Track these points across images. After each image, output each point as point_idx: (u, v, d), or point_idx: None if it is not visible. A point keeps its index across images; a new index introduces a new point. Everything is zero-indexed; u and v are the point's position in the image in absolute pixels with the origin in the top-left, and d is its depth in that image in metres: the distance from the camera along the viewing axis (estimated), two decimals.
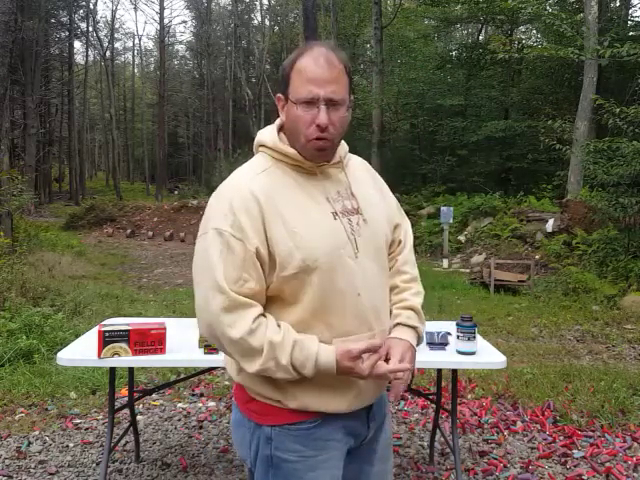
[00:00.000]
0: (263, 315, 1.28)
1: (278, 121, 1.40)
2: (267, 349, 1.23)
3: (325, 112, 1.27)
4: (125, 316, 5.46)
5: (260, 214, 1.26)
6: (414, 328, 1.43)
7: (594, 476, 2.92)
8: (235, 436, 1.45)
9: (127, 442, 3.24)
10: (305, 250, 1.26)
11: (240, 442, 1.42)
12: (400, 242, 1.53)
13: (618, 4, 18.10)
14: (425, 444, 3.22)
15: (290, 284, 1.27)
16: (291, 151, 1.33)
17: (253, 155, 1.43)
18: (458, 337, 2.43)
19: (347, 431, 1.39)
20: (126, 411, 3.33)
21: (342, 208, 1.35)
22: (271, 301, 1.32)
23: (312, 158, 1.33)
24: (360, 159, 1.55)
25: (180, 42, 46.76)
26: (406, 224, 1.58)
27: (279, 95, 1.35)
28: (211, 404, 3.88)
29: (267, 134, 1.39)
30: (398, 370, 1.32)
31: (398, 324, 1.43)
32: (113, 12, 76.13)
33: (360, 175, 1.47)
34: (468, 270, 10.14)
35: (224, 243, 1.25)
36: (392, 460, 1.59)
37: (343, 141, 1.44)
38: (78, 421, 3.56)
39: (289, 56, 1.35)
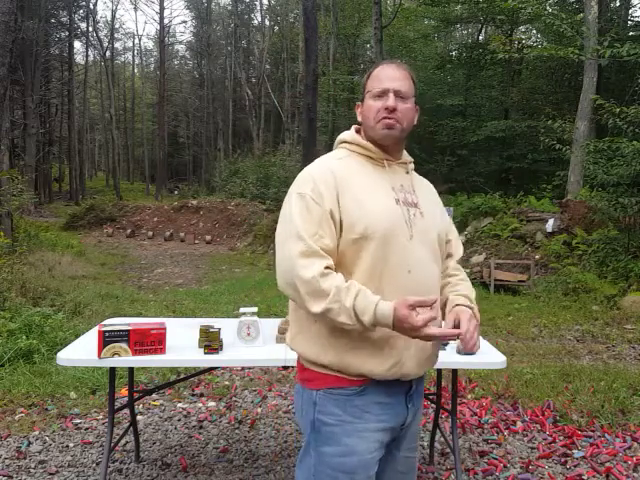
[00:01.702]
0: (334, 269, 1.45)
1: (355, 126, 1.67)
2: (334, 292, 1.38)
3: (393, 98, 1.53)
4: (125, 316, 5.46)
5: (335, 186, 1.48)
6: (471, 309, 1.60)
7: (594, 476, 2.92)
8: (295, 405, 1.65)
9: (127, 442, 3.24)
10: (367, 220, 1.46)
11: (297, 410, 1.62)
12: (450, 255, 1.73)
13: (618, 4, 18.09)
14: (425, 444, 3.22)
15: (351, 248, 1.46)
16: (364, 142, 1.59)
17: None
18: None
19: (384, 409, 1.51)
20: (126, 411, 3.33)
21: (404, 198, 1.56)
22: (336, 265, 1.49)
23: (382, 137, 1.55)
24: (421, 177, 1.75)
25: (180, 42, 46.71)
26: (458, 243, 1.76)
27: (358, 103, 1.64)
28: (211, 404, 3.88)
29: (348, 133, 1.65)
30: (449, 334, 1.43)
31: (457, 305, 1.59)
32: (113, 12, 76.03)
33: (423, 186, 1.70)
34: (468, 270, 10.13)
35: (304, 204, 1.47)
36: (418, 451, 1.71)
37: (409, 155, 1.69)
38: (78, 421, 3.56)
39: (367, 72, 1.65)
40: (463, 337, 1.48)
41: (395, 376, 1.49)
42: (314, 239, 1.44)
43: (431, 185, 1.78)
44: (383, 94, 1.54)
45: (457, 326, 1.50)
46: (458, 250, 1.76)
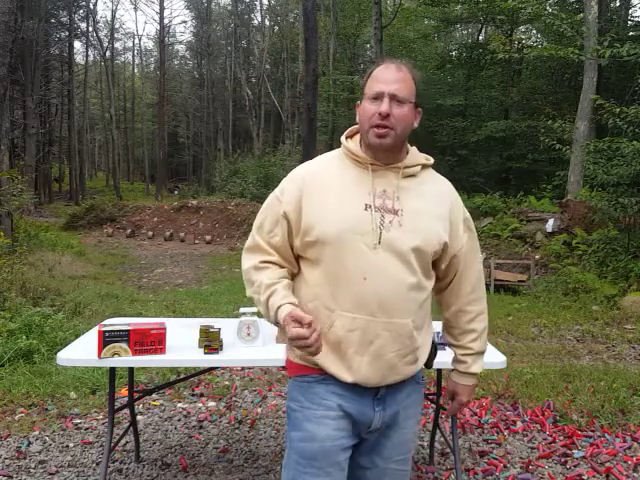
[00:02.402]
0: (277, 265, 1.57)
1: (357, 126, 1.63)
2: (257, 284, 1.55)
3: (387, 103, 1.47)
4: (125, 316, 5.46)
5: (301, 188, 1.53)
6: (474, 374, 1.71)
7: (594, 476, 2.92)
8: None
9: (127, 442, 3.24)
10: (324, 225, 1.48)
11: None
12: (455, 274, 1.64)
13: (618, 4, 18.08)
14: (425, 444, 3.22)
15: (311, 249, 1.52)
16: (351, 146, 1.57)
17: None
18: None
19: (346, 402, 1.52)
20: (126, 411, 3.33)
21: (381, 204, 1.50)
22: (301, 260, 1.58)
23: (375, 145, 1.50)
24: (444, 180, 1.66)
25: (180, 42, 46.69)
26: (470, 255, 1.65)
27: (357, 103, 1.59)
28: (211, 404, 3.88)
29: (345, 133, 1.64)
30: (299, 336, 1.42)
31: (456, 373, 1.73)
32: (113, 12, 76.00)
33: (427, 190, 1.58)
34: None
35: (271, 201, 1.60)
36: (410, 464, 1.67)
37: (424, 155, 1.62)
38: (78, 421, 3.56)
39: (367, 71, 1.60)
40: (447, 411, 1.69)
41: (350, 380, 1.49)
42: (269, 236, 1.57)
43: (446, 188, 1.64)
44: (378, 97, 1.49)
45: (452, 397, 1.75)
46: (470, 270, 1.64)
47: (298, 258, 1.59)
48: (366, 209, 1.48)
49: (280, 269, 1.57)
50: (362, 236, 1.47)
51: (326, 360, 1.50)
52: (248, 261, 1.61)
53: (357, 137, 1.61)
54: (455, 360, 1.73)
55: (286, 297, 1.49)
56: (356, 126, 1.63)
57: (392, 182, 1.53)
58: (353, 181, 1.53)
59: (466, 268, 1.64)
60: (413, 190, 1.55)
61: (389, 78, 1.50)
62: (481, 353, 1.70)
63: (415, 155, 1.60)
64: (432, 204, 1.57)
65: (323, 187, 1.52)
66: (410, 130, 1.54)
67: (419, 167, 1.59)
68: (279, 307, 1.47)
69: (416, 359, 1.57)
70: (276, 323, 1.51)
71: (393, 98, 1.48)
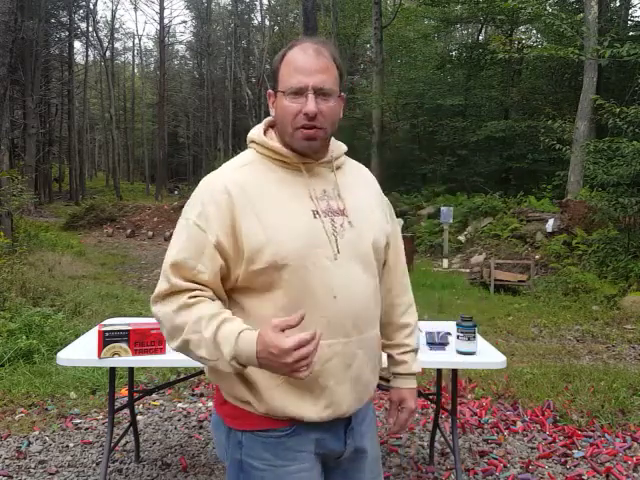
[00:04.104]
0: (210, 300, 1.23)
1: (269, 118, 1.38)
2: (192, 323, 1.18)
3: (313, 100, 1.23)
4: (125, 316, 5.46)
5: (229, 206, 1.22)
6: (414, 375, 1.52)
7: (594, 476, 2.92)
8: (214, 438, 1.43)
9: (127, 442, 3.23)
10: (275, 246, 1.21)
11: (217, 443, 1.40)
12: (386, 265, 1.48)
13: (618, 4, 18.09)
14: (425, 444, 3.22)
15: (259, 279, 1.23)
16: (276, 145, 1.30)
17: None
18: (458, 337, 2.42)
19: (320, 444, 1.31)
20: (126, 411, 3.33)
21: (326, 207, 1.30)
22: (243, 292, 1.27)
23: (302, 150, 1.29)
24: (360, 165, 1.51)
25: (180, 42, 46.73)
26: (398, 242, 1.53)
27: (269, 91, 1.33)
28: (211, 404, 3.87)
29: (256, 130, 1.37)
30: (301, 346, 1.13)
31: (398, 376, 1.51)
32: (113, 12, 76.21)
33: (355, 179, 1.42)
34: (468, 270, 10.13)
35: (187, 232, 1.26)
36: (382, 475, 1.52)
37: (341, 143, 1.43)
38: (78, 421, 3.56)
39: (279, 52, 1.33)
40: (391, 427, 1.48)
41: (330, 417, 1.28)
42: (192, 274, 1.22)
43: (366, 172, 1.49)
44: (300, 92, 1.23)
45: (398, 407, 1.49)
46: (398, 258, 1.51)
47: (231, 293, 1.29)
48: (315, 217, 1.26)
49: (218, 302, 1.25)
50: (321, 249, 1.25)
51: (300, 406, 1.25)
52: (166, 307, 1.22)
53: (272, 134, 1.35)
54: (393, 363, 1.52)
55: (244, 324, 1.19)
56: (268, 120, 1.38)
57: (329, 179, 1.33)
58: (287, 187, 1.28)
59: (397, 257, 1.51)
60: (346, 183, 1.37)
61: (310, 67, 1.24)
62: (416, 351, 1.53)
63: (337, 144, 1.41)
64: (365, 194, 1.41)
65: (258, 200, 1.24)
66: (338, 123, 1.33)
67: (344, 157, 1.42)
68: (240, 333, 1.14)
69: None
70: (238, 364, 1.15)
71: (318, 92, 1.24)
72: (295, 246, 1.22)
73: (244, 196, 1.24)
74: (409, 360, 1.50)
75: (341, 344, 1.27)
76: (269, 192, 1.26)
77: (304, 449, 1.29)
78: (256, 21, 40.35)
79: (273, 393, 1.24)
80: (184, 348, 1.21)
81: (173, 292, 1.23)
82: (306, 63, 1.24)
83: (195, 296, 1.21)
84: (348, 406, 1.31)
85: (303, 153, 1.30)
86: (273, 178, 1.29)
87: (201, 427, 3.49)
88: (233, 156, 1.42)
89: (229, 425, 1.31)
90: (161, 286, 1.25)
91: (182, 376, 3.95)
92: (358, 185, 1.42)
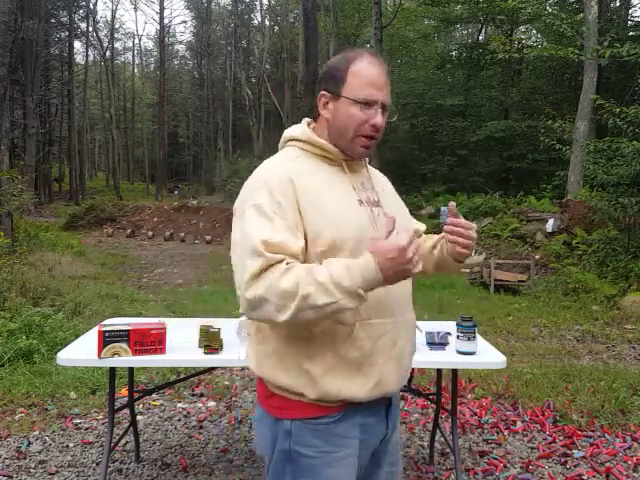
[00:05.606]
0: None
1: (307, 119, 1.50)
2: (304, 275, 1.20)
3: (381, 114, 1.37)
4: (125, 316, 5.46)
5: (294, 193, 1.31)
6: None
7: (594, 476, 2.92)
8: (257, 433, 1.49)
9: (127, 442, 3.23)
10: (335, 229, 1.30)
11: (261, 439, 1.44)
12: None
13: (618, 4, 18.10)
14: (425, 444, 3.22)
15: (319, 262, 1.28)
16: (322, 141, 1.41)
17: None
18: (458, 337, 2.43)
19: (365, 429, 1.39)
20: (126, 411, 3.33)
21: (366, 198, 1.42)
22: None
23: (358, 154, 1.42)
24: (379, 172, 1.63)
25: (180, 42, 46.67)
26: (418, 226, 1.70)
27: (324, 92, 1.41)
28: (211, 404, 3.88)
29: (298, 128, 1.47)
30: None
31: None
32: (113, 12, 76.00)
33: (379, 177, 1.58)
34: (468, 270, 10.14)
35: (264, 217, 1.27)
36: (401, 463, 1.57)
37: None
38: (78, 421, 3.56)
39: (338, 57, 1.43)
40: (459, 231, 1.45)
41: (377, 396, 1.36)
42: (281, 247, 1.24)
43: (384, 176, 1.64)
44: (370, 104, 1.36)
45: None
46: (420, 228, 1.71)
47: None
48: (361, 205, 1.39)
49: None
50: (371, 233, 1.34)
51: (351, 387, 1.32)
52: (266, 280, 1.21)
53: (318, 132, 1.45)
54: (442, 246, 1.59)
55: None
56: (306, 120, 1.49)
57: (363, 174, 1.48)
58: (334, 178, 1.40)
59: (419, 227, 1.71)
60: (373, 179, 1.51)
61: (380, 82, 1.37)
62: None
63: None
64: (389, 189, 1.57)
65: (313, 188, 1.34)
66: None
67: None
68: (349, 264, 1.21)
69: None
70: (359, 286, 1.20)
71: (383, 107, 1.38)
72: (352, 231, 1.32)
73: (303, 184, 1.33)
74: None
75: (390, 324, 1.37)
76: (321, 182, 1.37)
77: (350, 435, 1.37)
78: (256, 21, 40.36)
79: (326, 378, 1.31)
80: (302, 307, 1.19)
81: (269, 265, 1.22)
82: (378, 78, 1.37)
83: (289, 262, 1.23)
84: (391, 385, 1.39)
85: (352, 155, 1.42)
86: (320, 169, 1.40)
87: (201, 427, 3.49)
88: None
89: (277, 416, 1.37)
90: (253, 266, 1.22)
91: (182, 376, 3.96)
92: (382, 182, 1.57)
